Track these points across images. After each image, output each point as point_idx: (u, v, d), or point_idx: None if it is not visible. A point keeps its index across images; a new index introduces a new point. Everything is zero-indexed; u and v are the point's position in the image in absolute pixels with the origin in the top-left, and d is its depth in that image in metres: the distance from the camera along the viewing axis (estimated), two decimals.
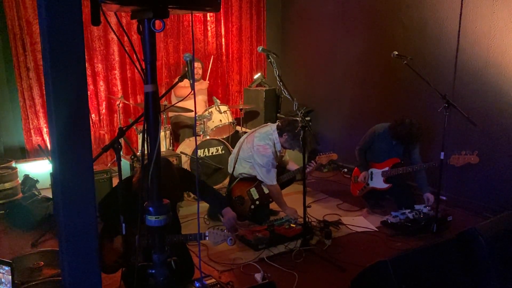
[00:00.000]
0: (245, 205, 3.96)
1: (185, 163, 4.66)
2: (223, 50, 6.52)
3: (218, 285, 2.83)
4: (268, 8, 6.81)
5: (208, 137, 4.87)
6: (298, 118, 3.42)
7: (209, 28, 6.33)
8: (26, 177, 4.50)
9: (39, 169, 4.75)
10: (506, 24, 3.83)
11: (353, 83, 5.59)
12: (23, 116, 5.17)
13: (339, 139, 5.89)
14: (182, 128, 5.41)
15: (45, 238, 3.62)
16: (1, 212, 4.12)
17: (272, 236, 3.50)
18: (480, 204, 4.18)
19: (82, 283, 1.48)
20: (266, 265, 3.19)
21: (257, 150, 3.86)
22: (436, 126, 4.35)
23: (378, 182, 4.18)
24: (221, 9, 6.24)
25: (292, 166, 4.26)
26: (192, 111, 4.79)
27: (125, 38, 4.39)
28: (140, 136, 4.96)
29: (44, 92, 4.78)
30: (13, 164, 4.53)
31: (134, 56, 1.63)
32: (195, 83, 5.45)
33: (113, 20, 4.82)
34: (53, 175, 1.51)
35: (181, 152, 4.67)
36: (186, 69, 1.94)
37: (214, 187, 3.85)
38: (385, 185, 4.14)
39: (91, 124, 5.56)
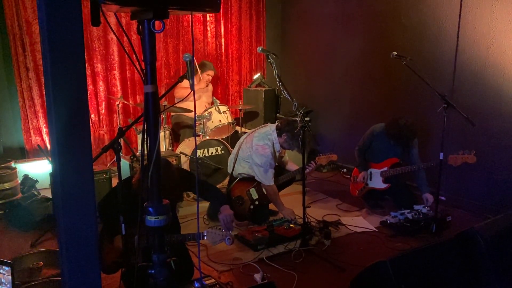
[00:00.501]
0: (245, 205, 3.96)
1: (185, 163, 4.66)
2: (223, 50, 6.52)
3: (218, 285, 2.83)
4: (267, 9, 6.81)
5: (207, 137, 4.87)
6: (297, 119, 3.43)
7: (208, 29, 6.33)
8: (26, 177, 4.50)
9: (39, 169, 4.75)
10: (505, 25, 3.84)
11: (353, 83, 5.60)
12: (22, 116, 5.17)
13: (339, 140, 5.89)
14: (183, 128, 5.41)
15: (45, 238, 3.62)
16: (1, 212, 4.12)
17: (271, 237, 3.50)
18: (479, 204, 4.18)
19: (82, 283, 1.48)
20: (266, 265, 3.19)
21: (256, 150, 3.87)
22: (435, 126, 4.36)
23: (377, 182, 4.19)
24: (221, 10, 6.24)
25: (292, 166, 4.26)
26: (192, 111, 4.79)
27: (125, 38, 4.40)
28: (139, 137, 4.96)
29: (44, 92, 4.78)
30: (13, 164, 4.53)
31: (134, 56, 1.63)
32: (202, 87, 5.48)
33: (112, 20, 4.82)
34: (52, 175, 1.51)
35: (180, 152, 4.67)
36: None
37: (214, 186, 3.85)
38: (384, 185, 4.14)
39: (91, 124, 5.56)
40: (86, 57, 5.24)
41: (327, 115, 6.08)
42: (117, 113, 5.25)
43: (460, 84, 4.25)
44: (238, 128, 5.61)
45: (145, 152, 1.65)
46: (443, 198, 4.35)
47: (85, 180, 1.44)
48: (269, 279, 2.95)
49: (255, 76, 6.59)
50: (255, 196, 3.97)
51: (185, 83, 4.99)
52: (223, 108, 5.14)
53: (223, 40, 6.49)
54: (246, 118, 6.39)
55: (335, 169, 5.82)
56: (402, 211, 3.86)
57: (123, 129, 2.44)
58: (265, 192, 3.96)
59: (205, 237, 2.64)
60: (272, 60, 3.33)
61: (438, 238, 3.55)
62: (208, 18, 6.29)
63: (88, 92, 5.42)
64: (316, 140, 5.87)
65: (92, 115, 5.59)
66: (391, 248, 3.46)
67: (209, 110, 5.03)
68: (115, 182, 3.55)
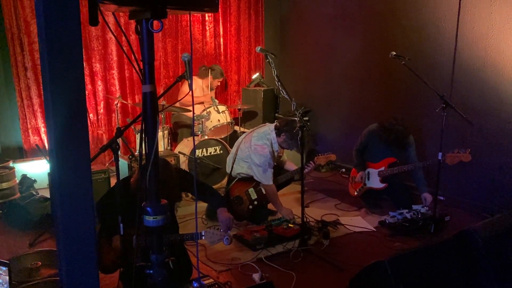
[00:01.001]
0: (244, 205, 3.96)
1: (183, 163, 4.65)
2: (222, 50, 6.52)
3: (216, 285, 2.83)
4: (266, 8, 6.81)
5: (206, 137, 4.86)
6: (296, 118, 3.43)
7: (207, 28, 6.33)
8: (24, 177, 4.49)
9: (37, 169, 4.73)
10: (503, 25, 3.84)
11: (352, 83, 5.60)
12: (20, 115, 5.16)
13: (338, 139, 5.89)
14: (181, 128, 5.40)
15: (43, 238, 3.61)
16: None
17: (270, 236, 3.50)
18: (477, 204, 4.19)
19: (80, 283, 1.48)
20: (264, 265, 3.19)
21: (255, 150, 3.86)
22: (433, 126, 4.36)
23: (375, 182, 4.19)
24: (219, 9, 6.24)
25: (290, 166, 4.26)
26: (191, 111, 4.78)
27: (123, 38, 4.39)
28: (138, 136, 4.95)
29: (42, 92, 4.77)
30: (11, 164, 4.52)
31: (132, 56, 1.63)
32: (207, 92, 5.50)
33: (111, 20, 4.81)
34: (51, 175, 1.50)
35: (179, 152, 4.67)
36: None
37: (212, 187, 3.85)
38: (382, 185, 4.15)
39: (89, 124, 5.56)
40: (84, 56, 5.30)
41: (326, 115, 6.08)
42: (116, 113, 5.25)
43: (459, 84, 4.25)
44: (237, 128, 5.61)
45: (144, 151, 1.65)
46: (442, 198, 4.36)
47: (83, 180, 1.44)
48: (268, 279, 2.95)
49: (254, 76, 6.59)
50: (254, 196, 3.97)
51: (186, 88, 5.04)
52: (222, 107, 5.14)
53: (222, 39, 6.49)
54: (245, 118, 6.39)
55: (333, 169, 5.82)
56: (401, 211, 3.86)
57: (122, 128, 2.44)
58: (264, 192, 3.96)
59: (203, 237, 2.63)
60: (271, 60, 3.33)
61: (437, 238, 3.55)
62: (207, 18, 6.29)
63: (87, 92, 5.42)
64: (315, 140, 5.88)
65: (91, 115, 5.59)
66: (390, 248, 3.46)
67: (208, 110, 5.03)
68: (113, 182, 3.55)
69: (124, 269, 2.59)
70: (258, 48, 3.47)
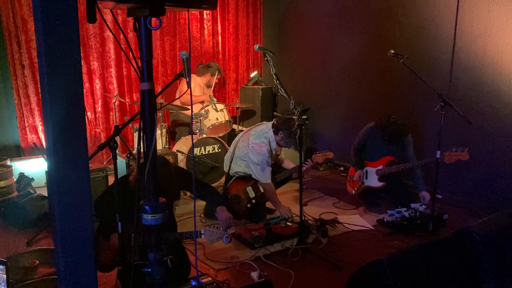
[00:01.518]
0: (242, 204, 3.95)
1: (181, 162, 4.65)
2: (220, 48, 6.51)
3: (214, 284, 2.83)
4: (265, 6, 6.79)
5: (204, 136, 4.86)
6: (294, 117, 3.42)
7: (205, 26, 6.31)
8: (21, 175, 4.47)
9: (35, 167, 4.72)
10: (502, 23, 3.84)
11: (350, 81, 5.60)
12: (18, 114, 5.14)
13: (336, 138, 5.89)
14: (179, 126, 5.39)
15: (41, 237, 3.60)
16: None
17: (268, 235, 3.50)
18: (475, 202, 4.20)
19: (78, 282, 1.47)
20: (263, 263, 3.19)
21: (253, 148, 3.86)
22: (432, 124, 4.37)
23: (372, 180, 4.19)
24: (218, 7, 6.23)
25: (288, 164, 4.26)
26: (189, 109, 4.78)
27: (121, 36, 4.38)
28: (136, 135, 4.94)
29: (40, 90, 4.76)
30: (8, 162, 4.51)
31: (130, 54, 1.62)
32: (207, 92, 5.49)
33: (109, 17, 4.80)
34: (48, 173, 1.50)
35: (177, 151, 4.66)
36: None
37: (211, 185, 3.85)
38: (380, 184, 4.15)
39: (87, 122, 5.54)
40: (82, 54, 5.28)
41: (324, 113, 6.08)
42: (114, 111, 5.24)
43: (457, 83, 4.26)
44: (235, 126, 5.61)
45: (142, 150, 1.65)
46: (440, 197, 4.37)
47: (81, 178, 1.44)
48: (266, 277, 2.95)
49: (252, 74, 6.58)
50: (252, 194, 3.97)
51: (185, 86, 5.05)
52: (220, 106, 5.13)
53: (220, 38, 6.47)
54: (243, 116, 6.38)
55: (332, 167, 5.83)
56: (399, 209, 3.87)
57: (120, 127, 2.43)
58: (262, 190, 3.96)
59: (202, 236, 2.63)
60: (269, 58, 3.33)
61: (435, 236, 3.56)
62: (205, 16, 6.28)
63: (84, 90, 5.39)
64: (313, 138, 5.88)
65: (88, 113, 5.57)
66: (388, 246, 3.46)
67: (206, 108, 5.02)
68: (111, 180, 3.54)
69: (122, 267, 2.59)
70: (256, 46, 3.47)
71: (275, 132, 3.92)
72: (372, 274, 2.21)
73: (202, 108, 5.05)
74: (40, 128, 5.24)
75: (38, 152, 4.73)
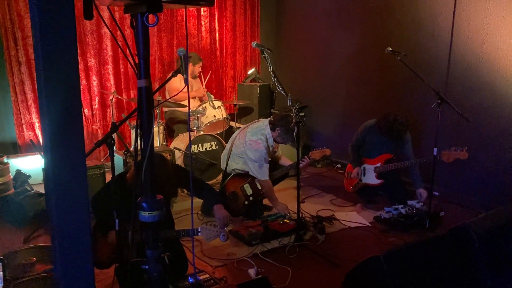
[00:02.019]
0: (239, 201, 3.96)
1: (179, 159, 4.64)
2: (217, 45, 6.49)
3: (212, 281, 2.83)
4: (262, 3, 6.78)
5: (202, 133, 4.85)
6: (291, 114, 3.42)
7: (203, 23, 6.29)
8: (18, 172, 4.46)
9: (31, 164, 4.71)
10: (499, 21, 3.85)
11: (347, 79, 5.60)
12: (14, 111, 5.13)
13: (333, 135, 5.90)
14: (177, 124, 5.39)
15: (38, 234, 3.60)
16: None
17: (266, 232, 3.50)
18: (472, 199, 4.21)
19: (75, 279, 1.47)
20: (260, 260, 3.19)
21: (250, 145, 3.86)
22: (429, 122, 4.37)
23: (370, 178, 4.20)
24: (215, 4, 6.21)
25: (285, 161, 4.26)
26: (186, 106, 4.77)
27: (118, 32, 4.36)
28: (133, 132, 4.94)
29: (36, 87, 4.74)
30: (5, 159, 4.49)
31: (127, 50, 1.62)
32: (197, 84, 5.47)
33: (106, 14, 4.78)
34: (45, 171, 1.49)
35: (174, 148, 4.65)
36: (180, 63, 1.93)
37: (208, 183, 3.84)
38: (378, 181, 4.16)
39: (84, 119, 5.53)
40: (79, 51, 5.26)
41: (322, 111, 6.08)
42: (111, 108, 5.22)
43: (454, 80, 4.26)
44: (232, 123, 5.61)
45: (139, 147, 1.64)
46: (437, 194, 4.38)
47: (78, 175, 1.43)
48: (263, 274, 2.96)
49: (250, 71, 6.57)
50: (249, 191, 3.97)
51: (175, 82, 5.02)
52: (217, 103, 5.12)
53: (217, 34, 6.46)
54: (241, 114, 6.38)
55: (329, 164, 5.84)
56: (396, 206, 3.87)
57: (117, 124, 2.42)
58: (260, 188, 3.96)
59: (199, 233, 2.63)
60: (266, 55, 3.32)
61: (432, 233, 3.58)
62: (202, 13, 6.26)
63: (81, 87, 5.38)
64: (310, 135, 5.88)
65: (85, 110, 5.56)
66: (385, 243, 3.47)
67: (203, 105, 5.02)
68: (108, 177, 3.53)
69: (120, 264, 2.59)
70: (254, 43, 3.46)
71: (272, 129, 3.92)
72: (369, 270, 2.22)
73: (199, 105, 5.04)
74: (37, 125, 5.23)
75: (35, 149, 4.72)
